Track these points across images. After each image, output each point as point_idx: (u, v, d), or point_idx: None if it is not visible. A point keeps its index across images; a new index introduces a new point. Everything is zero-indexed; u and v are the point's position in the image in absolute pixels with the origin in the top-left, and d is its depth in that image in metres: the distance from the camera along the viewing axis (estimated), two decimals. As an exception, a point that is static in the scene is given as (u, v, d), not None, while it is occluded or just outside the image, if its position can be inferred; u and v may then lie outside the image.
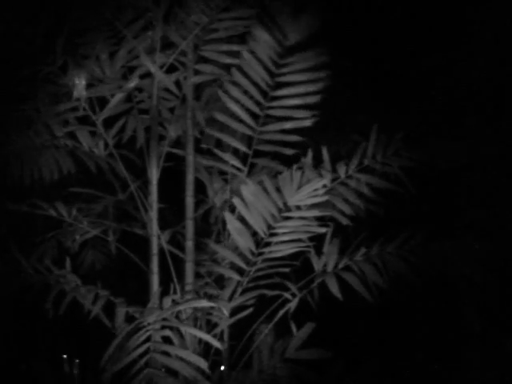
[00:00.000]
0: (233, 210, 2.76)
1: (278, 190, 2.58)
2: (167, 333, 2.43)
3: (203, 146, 2.95)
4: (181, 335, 2.58)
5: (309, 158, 2.73)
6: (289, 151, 2.78)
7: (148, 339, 2.33)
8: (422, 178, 2.76)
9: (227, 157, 2.80)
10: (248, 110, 2.77)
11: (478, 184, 3.38)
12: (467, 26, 3.40)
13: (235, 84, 2.75)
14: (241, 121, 2.79)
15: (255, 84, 2.75)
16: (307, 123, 2.73)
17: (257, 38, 2.71)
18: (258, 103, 2.76)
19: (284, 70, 2.73)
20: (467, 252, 2.66)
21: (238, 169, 2.81)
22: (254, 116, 2.78)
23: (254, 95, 2.76)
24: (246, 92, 2.79)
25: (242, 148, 2.80)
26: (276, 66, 2.72)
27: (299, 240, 2.63)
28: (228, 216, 2.62)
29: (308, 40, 2.69)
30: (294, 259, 2.69)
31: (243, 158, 2.84)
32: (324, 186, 2.57)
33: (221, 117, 2.79)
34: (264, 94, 2.75)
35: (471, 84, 3.36)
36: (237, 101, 2.76)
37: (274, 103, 2.76)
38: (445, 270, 2.64)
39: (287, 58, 2.72)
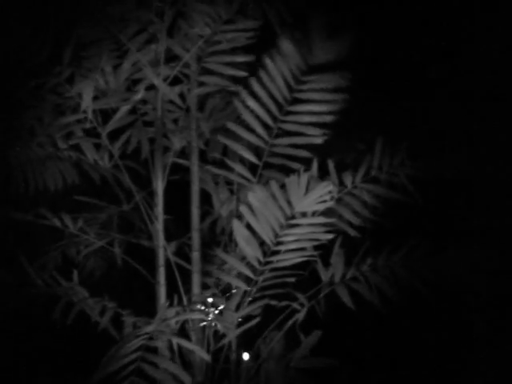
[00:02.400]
0: (239, 219, 2.77)
1: (286, 196, 2.58)
2: (158, 344, 2.42)
3: (211, 156, 2.98)
4: (171, 346, 2.59)
5: (314, 169, 2.75)
6: (296, 165, 2.79)
7: (139, 348, 2.32)
8: (427, 186, 2.79)
9: (238, 167, 2.81)
10: (261, 122, 2.77)
11: (485, 193, 3.41)
12: (474, 34, 3.42)
13: (252, 94, 2.74)
14: (253, 132, 2.80)
15: (272, 97, 2.74)
16: (318, 140, 2.74)
17: (282, 51, 2.68)
18: (273, 116, 2.76)
19: (303, 86, 2.72)
20: (473, 262, 2.69)
21: (248, 179, 2.81)
22: (267, 128, 2.78)
23: (270, 108, 2.75)
24: (263, 105, 2.78)
25: (252, 158, 2.80)
26: (296, 82, 2.72)
27: (305, 249, 2.65)
28: (236, 224, 2.62)
29: (333, 62, 2.68)
30: (302, 269, 2.70)
31: (250, 169, 2.86)
32: (330, 192, 2.57)
33: (233, 127, 2.80)
34: (280, 107, 2.75)
35: (478, 93, 3.39)
36: (252, 111, 2.76)
37: (289, 118, 2.76)
38: (451, 280, 2.66)
39: (309, 76, 2.71)
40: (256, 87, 2.72)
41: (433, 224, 3.33)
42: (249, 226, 2.63)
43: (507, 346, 3.43)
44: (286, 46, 2.67)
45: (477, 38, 3.44)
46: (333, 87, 2.68)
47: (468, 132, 3.14)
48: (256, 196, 2.56)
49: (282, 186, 2.68)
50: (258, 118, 2.75)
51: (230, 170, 2.84)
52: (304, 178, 2.55)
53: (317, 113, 2.73)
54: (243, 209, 2.59)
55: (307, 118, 2.75)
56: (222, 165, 2.90)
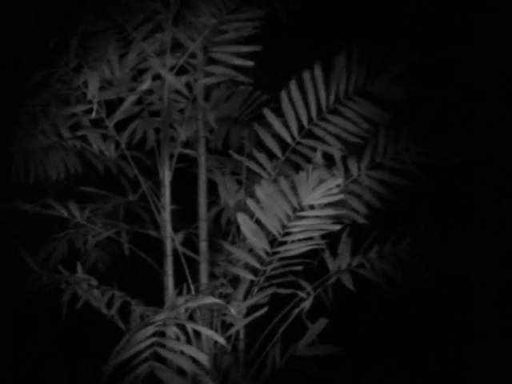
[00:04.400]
0: (245, 210, 2.78)
1: (293, 189, 2.60)
2: (174, 330, 2.43)
3: (214, 145, 2.98)
4: (187, 333, 2.60)
5: (319, 157, 2.77)
6: (306, 165, 2.83)
7: (154, 334, 2.34)
8: (434, 173, 2.78)
9: (261, 157, 2.84)
10: (298, 120, 2.85)
11: (493, 179, 3.41)
12: (481, 17, 3.41)
13: (301, 90, 2.81)
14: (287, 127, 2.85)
15: (318, 99, 2.84)
16: (337, 154, 2.83)
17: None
18: (309, 117, 2.84)
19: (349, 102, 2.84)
20: (481, 249, 2.70)
21: (268, 172, 2.85)
22: (300, 127, 2.85)
23: (310, 109, 2.84)
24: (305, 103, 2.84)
25: (278, 153, 2.85)
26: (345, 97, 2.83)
27: (312, 239, 2.66)
28: (241, 217, 2.63)
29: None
30: (311, 259, 2.71)
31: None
32: (338, 185, 2.58)
33: (269, 115, 2.83)
34: (319, 111, 2.85)
35: (485, 77, 3.38)
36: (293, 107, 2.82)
37: (322, 124, 2.84)
38: (458, 268, 2.67)
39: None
40: (307, 83, 2.79)
41: (440, 210, 3.33)
42: (255, 219, 2.65)
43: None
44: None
45: (484, 21, 3.42)
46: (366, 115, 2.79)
47: (474, 116, 3.14)
48: (263, 190, 2.58)
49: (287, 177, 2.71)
50: (296, 114, 2.81)
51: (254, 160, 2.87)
52: (314, 175, 2.58)
53: (346, 131, 2.83)
54: (250, 202, 2.60)
55: (337, 131, 2.83)
56: (224, 155, 2.91)
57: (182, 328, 2.50)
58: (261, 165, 2.85)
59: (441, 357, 3.57)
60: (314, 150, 2.84)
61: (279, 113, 2.85)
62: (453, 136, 2.79)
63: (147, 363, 2.21)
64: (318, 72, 2.78)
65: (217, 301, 2.48)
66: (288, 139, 2.84)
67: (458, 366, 3.55)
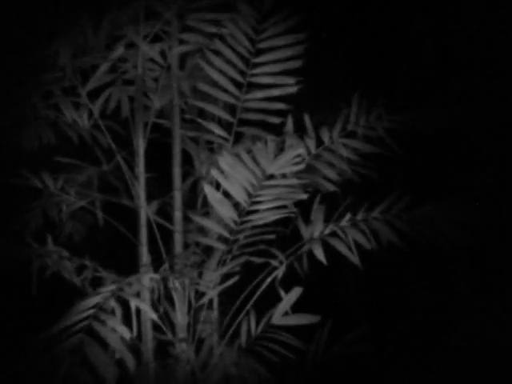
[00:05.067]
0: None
1: (255, 160, 2.60)
2: (112, 303, 2.41)
3: (188, 115, 2.95)
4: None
5: (289, 125, 2.75)
6: (275, 119, 2.79)
7: (94, 306, 2.32)
8: (407, 143, 2.78)
9: (212, 126, 2.80)
10: (231, 79, 2.78)
11: (466, 149, 3.41)
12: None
13: (218, 53, 2.76)
14: (224, 90, 2.79)
15: (237, 52, 2.76)
16: (291, 90, 2.74)
17: (238, 7, 2.73)
18: (240, 72, 2.77)
19: (263, 35, 2.74)
20: (454, 217, 2.70)
21: (224, 138, 2.82)
22: (238, 85, 2.78)
23: (236, 64, 2.76)
24: (228, 61, 2.79)
25: (226, 116, 2.80)
26: (255, 32, 2.72)
27: (284, 207, 2.65)
28: (207, 187, 2.64)
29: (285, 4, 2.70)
30: (284, 227, 2.71)
31: (228, 127, 2.84)
32: (299, 155, 2.59)
33: (203, 86, 2.79)
34: (246, 61, 2.76)
35: (459, 51, 3.38)
36: (220, 70, 2.76)
37: (257, 70, 2.77)
38: (430, 234, 2.67)
39: (264, 24, 2.73)
40: (219, 45, 2.74)
41: (415, 179, 3.34)
42: (223, 188, 2.64)
43: (487, 303, 3.46)
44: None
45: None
46: (290, 28, 2.69)
47: (447, 86, 3.13)
48: (225, 160, 2.58)
49: (250, 152, 2.70)
50: (226, 75, 2.76)
51: (208, 129, 2.83)
52: (271, 144, 2.60)
53: (283, 59, 2.75)
54: (214, 172, 2.60)
55: (275, 67, 2.76)
56: (200, 124, 2.89)
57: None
58: (218, 134, 2.82)
59: (412, 326, 3.59)
60: (268, 99, 2.78)
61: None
62: (427, 107, 2.79)
63: (77, 336, 2.19)
64: (231, 25, 2.76)
65: (155, 276, 2.49)
66: (233, 100, 2.77)
67: (428, 335, 3.58)
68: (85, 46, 2.88)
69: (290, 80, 2.75)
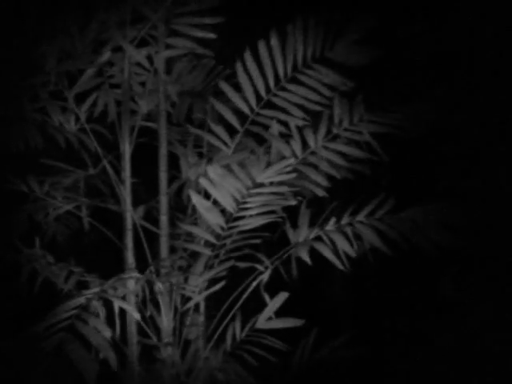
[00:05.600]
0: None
1: (245, 170, 2.61)
2: (95, 304, 2.41)
3: (175, 119, 2.96)
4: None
5: (275, 129, 2.76)
6: (267, 134, 2.80)
7: (77, 307, 2.31)
8: (392, 145, 2.78)
9: (219, 130, 2.80)
10: (256, 92, 2.82)
11: (451, 152, 3.42)
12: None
13: (257, 61, 2.79)
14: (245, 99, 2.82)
15: (274, 67, 2.80)
16: (299, 123, 2.80)
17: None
18: (267, 87, 2.81)
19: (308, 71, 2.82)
20: (436, 218, 2.70)
21: (226, 144, 2.81)
22: (258, 98, 2.82)
23: (268, 78, 2.81)
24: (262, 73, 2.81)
25: (236, 125, 2.81)
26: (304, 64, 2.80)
27: (272, 212, 2.66)
28: (194, 195, 2.65)
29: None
30: (272, 232, 2.71)
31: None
32: (290, 165, 2.61)
33: (226, 88, 2.80)
34: (277, 81, 2.82)
35: (443, 51, 3.38)
36: (250, 78, 2.79)
37: (281, 93, 2.81)
38: (414, 237, 2.67)
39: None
40: (263, 54, 2.76)
41: (401, 182, 3.34)
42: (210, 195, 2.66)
43: (472, 305, 3.47)
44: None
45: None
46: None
47: (434, 91, 3.14)
48: (214, 171, 2.59)
49: (252, 152, 2.72)
50: (253, 85, 2.78)
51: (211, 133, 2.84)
52: (263, 158, 2.64)
53: (308, 99, 2.80)
54: (203, 181, 2.61)
55: (297, 99, 2.80)
56: (186, 129, 2.89)
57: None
58: (219, 138, 2.83)
59: (399, 328, 3.60)
60: (277, 119, 2.81)
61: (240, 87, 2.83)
62: (408, 107, 2.79)
63: (58, 335, 2.18)
64: (275, 41, 2.75)
65: (140, 276, 2.50)
66: (246, 110, 2.81)
67: (413, 336, 3.58)
68: (71, 50, 2.88)
69: (301, 114, 2.81)
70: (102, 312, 2.34)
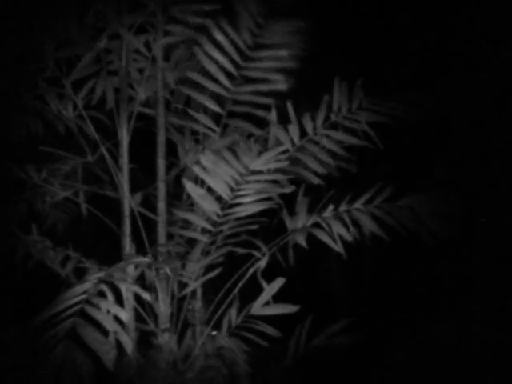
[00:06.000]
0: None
1: (237, 157, 2.61)
2: (104, 288, 2.41)
3: (175, 106, 2.95)
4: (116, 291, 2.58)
5: (273, 115, 2.75)
6: (261, 113, 2.78)
7: (85, 292, 2.31)
8: (391, 133, 2.77)
9: (200, 117, 2.79)
10: (223, 71, 2.76)
11: (449, 141, 3.42)
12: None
13: (214, 43, 2.74)
14: (215, 81, 2.78)
15: (235, 44, 2.74)
16: (282, 86, 2.73)
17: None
18: (235, 64, 2.75)
19: (265, 31, 2.72)
20: (434, 207, 2.70)
21: (211, 129, 2.81)
22: (229, 77, 2.77)
23: (232, 55, 2.75)
24: (224, 52, 2.77)
25: (216, 108, 2.79)
26: (258, 27, 2.71)
27: (268, 199, 2.66)
28: (188, 183, 2.65)
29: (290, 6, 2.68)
30: (271, 219, 2.71)
31: (215, 118, 2.84)
32: (284, 151, 2.59)
33: (195, 76, 2.78)
34: (242, 54, 2.74)
35: (443, 44, 3.38)
36: (214, 60, 2.75)
37: (252, 64, 2.76)
38: (411, 225, 2.67)
39: (268, 21, 2.71)
40: (218, 36, 2.71)
41: (397, 170, 3.34)
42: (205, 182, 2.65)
43: (468, 295, 3.48)
44: None
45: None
46: (294, 30, 2.67)
47: (434, 81, 3.13)
48: (207, 158, 2.58)
49: (249, 136, 2.70)
50: (219, 66, 2.74)
51: (194, 120, 2.82)
52: (256, 146, 2.63)
53: (279, 58, 2.73)
54: (196, 169, 2.61)
55: (270, 64, 2.74)
56: (186, 115, 2.88)
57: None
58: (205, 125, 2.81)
59: (396, 316, 3.61)
60: (257, 93, 2.77)
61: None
62: (406, 95, 2.78)
63: (70, 319, 2.18)
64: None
65: (144, 260, 2.49)
66: (223, 92, 2.76)
67: (410, 323, 3.59)
68: (69, 37, 2.87)
69: (281, 77, 2.74)
70: (111, 295, 2.34)
